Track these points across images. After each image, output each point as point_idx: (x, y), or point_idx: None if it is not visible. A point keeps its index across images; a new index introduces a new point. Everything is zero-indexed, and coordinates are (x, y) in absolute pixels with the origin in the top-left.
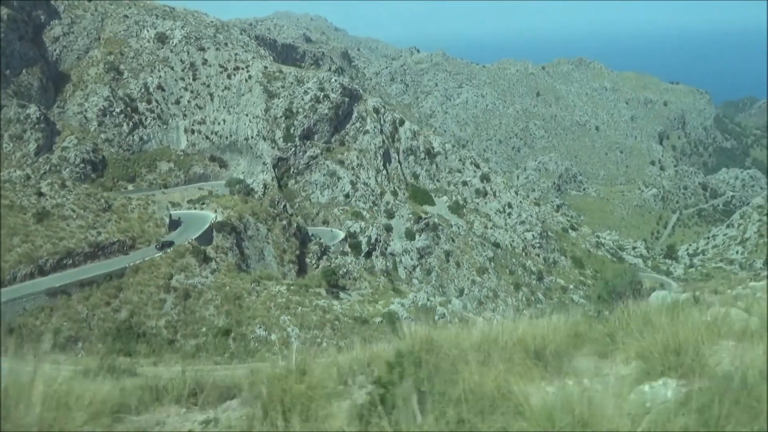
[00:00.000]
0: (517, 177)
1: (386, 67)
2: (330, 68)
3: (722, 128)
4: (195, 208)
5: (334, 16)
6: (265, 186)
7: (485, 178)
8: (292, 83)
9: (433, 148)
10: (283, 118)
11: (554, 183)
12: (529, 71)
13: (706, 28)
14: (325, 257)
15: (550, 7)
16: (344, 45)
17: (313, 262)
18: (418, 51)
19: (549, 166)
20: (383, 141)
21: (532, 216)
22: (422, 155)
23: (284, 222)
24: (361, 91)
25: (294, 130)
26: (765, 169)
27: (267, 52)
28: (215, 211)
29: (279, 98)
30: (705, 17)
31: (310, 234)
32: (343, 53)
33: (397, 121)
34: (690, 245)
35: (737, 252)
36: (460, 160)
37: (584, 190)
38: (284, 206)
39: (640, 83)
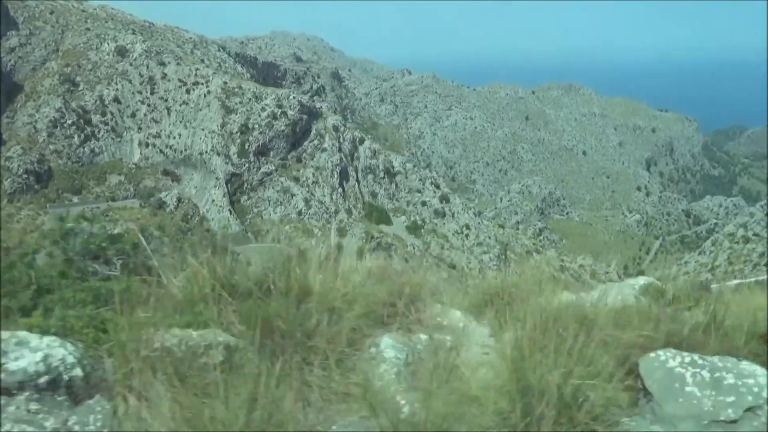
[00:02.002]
0: (501, 199)
1: (376, 88)
2: (311, 87)
3: (710, 156)
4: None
5: (332, 37)
6: (179, 200)
7: (444, 198)
8: (250, 99)
9: (393, 168)
10: (239, 134)
11: (537, 206)
12: (518, 95)
13: (700, 58)
14: None
15: (543, 30)
16: (337, 65)
17: None
18: (410, 73)
19: (532, 189)
20: (341, 159)
21: (489, 238)
22: (381, 174)
23: (196, 237)
24: (323, 109)
25: (249, 145)
26: (752, 198)
27: (244, 70)
28: (114, 223)
29: (236, 114)
30: (699, 47)
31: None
32: (333, 73)
33: (357, 139)
34: (663, 271)
35: (707, 279)
36: (420, 180)
37: (567, 214)
38: (199, 220)
39: (629, 109)
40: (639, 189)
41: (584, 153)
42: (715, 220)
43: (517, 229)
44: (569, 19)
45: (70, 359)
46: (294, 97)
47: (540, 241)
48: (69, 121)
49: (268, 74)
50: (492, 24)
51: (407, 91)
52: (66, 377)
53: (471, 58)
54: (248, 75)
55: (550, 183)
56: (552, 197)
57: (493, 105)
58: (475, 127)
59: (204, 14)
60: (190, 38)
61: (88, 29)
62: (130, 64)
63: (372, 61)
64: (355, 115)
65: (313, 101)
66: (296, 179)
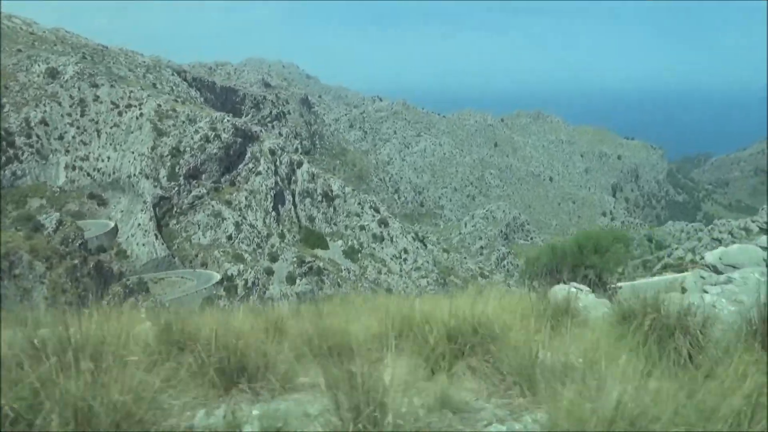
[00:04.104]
0: (465, 224)
1: (345, 114)
2: (270, 112)
3: (675, 182)
4: None
5: (308, 64)
6: (59, 223)
7: (383, 222)
8: (183, 122)
9: (331, 191)
10: (169, 157)
11: (501, 231)
12: (487, 122)
13: (668, 87)
14: (132, 299)
15: (513, 61)
16: (309, 92)
17: (112, 304)
18: (381, 99)
19: (497, 214)
20: (277, 182)
21: (428, 262)
22: (319, 198)
23: (76, 261)
24: (259, 132)
25: (179, 168)
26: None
27: (199, 95)
28: None
29: (168, 137)
30: (668, 77)
31: (122, 274)
32: (302, 99)
33: (295, 163)
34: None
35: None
36: (359, 203)
37: (531, 239)
38: (81, 244)
39: (596, 137)
40: (604, 214)
41: (551, 179)
42: (676, 245)
43: (481, 254)
44: (539, 50)
45: None
46: (228, 120)
47: (504, 266)
48: None
49: (226, 99)
50: (466, 54)
51: (377, 117)
52: None
53: (445, 86)
54: (202, 99)
55: (517, 208)
56: (516, 222)
57: (462, 132)
58: (444, 154)
59: (188, 42)
60: (144, 62)
61: (19, 50)
62: (61, 86)
63: (346, 88)
64: (324, 141)
65: (273, 126)
66: (228, 203)
